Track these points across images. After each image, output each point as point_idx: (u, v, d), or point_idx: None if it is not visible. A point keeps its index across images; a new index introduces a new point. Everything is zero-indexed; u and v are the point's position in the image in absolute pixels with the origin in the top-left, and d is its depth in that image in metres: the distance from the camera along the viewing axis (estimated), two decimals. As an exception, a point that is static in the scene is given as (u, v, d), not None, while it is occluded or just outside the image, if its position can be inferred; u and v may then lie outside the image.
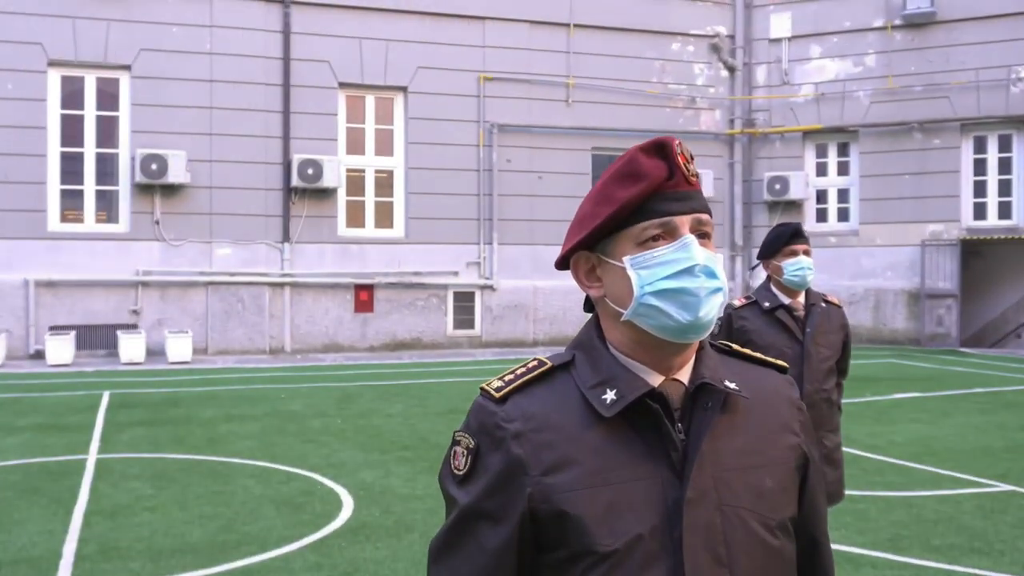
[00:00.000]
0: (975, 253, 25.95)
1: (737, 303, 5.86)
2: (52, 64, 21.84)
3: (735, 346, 2.09)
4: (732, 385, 1.91)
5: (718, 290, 1.84)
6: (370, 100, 24.47)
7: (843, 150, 26.82)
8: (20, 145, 21.35)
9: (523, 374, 1.92)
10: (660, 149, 1.88)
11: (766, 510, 1.88)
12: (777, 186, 26.12)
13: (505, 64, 25.00)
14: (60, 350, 20.48)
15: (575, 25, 25.55)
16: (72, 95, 22.24)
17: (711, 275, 1.83)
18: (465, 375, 18.99)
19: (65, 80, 22.16)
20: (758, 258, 5.83)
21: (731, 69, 27.06)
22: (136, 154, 21.70)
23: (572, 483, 1.80)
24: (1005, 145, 25.45)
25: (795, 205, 26.51)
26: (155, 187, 22.04)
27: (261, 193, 23.08)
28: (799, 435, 2.01)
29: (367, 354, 23.39)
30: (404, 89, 24.41)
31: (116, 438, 12.31)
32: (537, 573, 1.87)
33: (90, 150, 22.31)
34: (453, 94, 24.62)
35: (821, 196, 27.00)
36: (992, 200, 25.62)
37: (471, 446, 1.88)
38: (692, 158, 1.90)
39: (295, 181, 22.75)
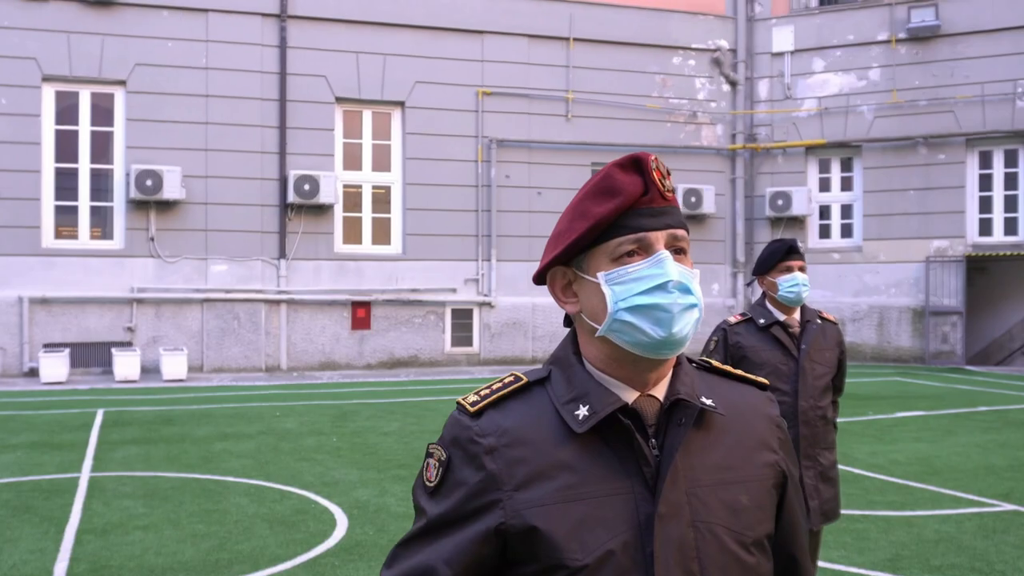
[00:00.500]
0: (980, 269, 25.96)
1: (732, 320, 5.91)
2: (46, 79, 21.92)
3: (714, 362, 2.11)
4: (708, 401, 1.94)
5: (693, 306, 1.87)
6: (367, 115, 24.54)
7: (846, 165, 26.86)
8: (14, 161, 21.42)
9: (499, 389, 1.95)
10: (636, 165, 1.91)
11: (741, 527, 1.91)
12: (779, 202, 26.15)
13: (504, 79, 25.07)
14: (54, 368, 20.49)
15: (575, 39, 25.63)
16: (66, 110, 22.31)
17: (685, 291, 1.86)
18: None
19: (59, 95, 22.23)
20: (753, 274, 5.88)
21: (733, 83, 27.13)
22: (131, 170, 21.75)
23: (544, 498, 1.83)
24: (1011, 160, 25.46)
25: (798, 221, 26.54)
26: (150, 203, 22.11)
27: (257, 209, 23.13)
28: (777, 452, 2.03)
29: (364, 372, 23.42)
30: (402, 104, 24.47)
31: (109, 456, 12.34)
32: None
33: (84, 166, 22.37)
34: (451, 109, 24.69)
35: (824, 212, 27.02)
36: (998, 216, 25.62)
37: (443, 458, 1.91)
38: (668, 173, 1.93)
39: (291, 197, 22.79)
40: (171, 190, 21.84)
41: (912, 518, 9.40)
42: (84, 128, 22.41)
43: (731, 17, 27.21)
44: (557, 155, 25.29)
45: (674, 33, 26.67)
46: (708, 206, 26.13)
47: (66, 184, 22.25)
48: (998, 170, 25.61)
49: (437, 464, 1.93)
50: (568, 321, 2.03)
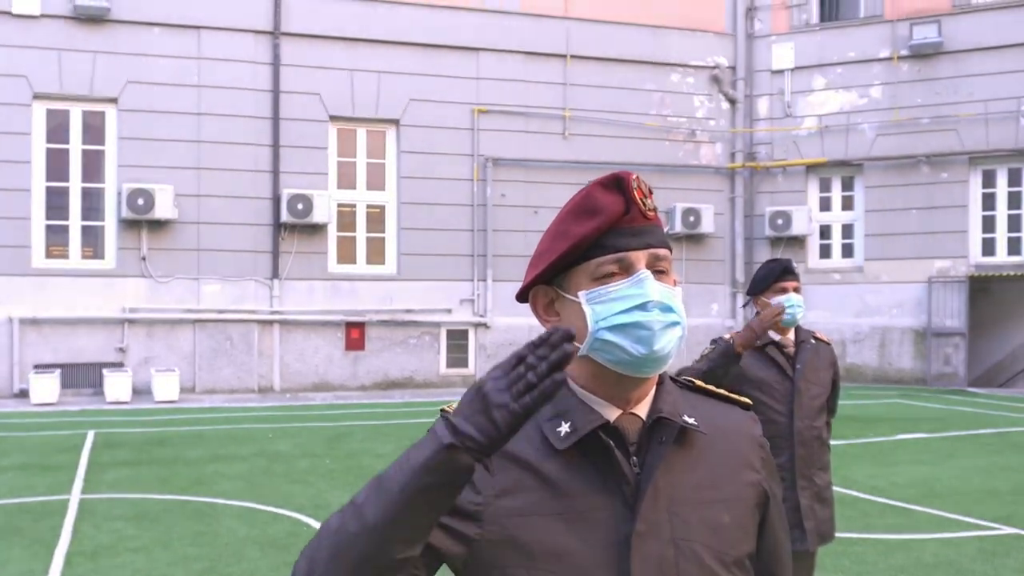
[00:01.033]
0: (984, 290, 25.96)
1: (727, 336, 5.96)
2: (37, 97, 22.00)
3: (698, 382, 2.14)
4: (690, 420, 1.97)
5: (675, 324, 1.90)
6: (361, 133, 24.61)
7: (847, 184, 26.90)
8: (5, 180, 21.47)
9: None
10: (617, 183, 1.94)
11: (722, 546, 1.94)
12: (779, 221, 26.19)
13: (500, 96, 25.13)
14: (45, 389, 20.52)
15: (571, 56, 25.71)
16: (57, 128, 22.37)
17: (666, 310, 1.89)
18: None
19: (50, 113, 22.30)
20: (747, 294, 5.95)
21: (732, 101, 27.21)
22: (122, 189, 21.83)
23: (524, 509, 1.87)
24: (1015, 179, 25.49)
25: (798, 241, 26.58)
26: (142, 222, 22.15)
27: (250, 229, 23.18)
28: (759, 472, 2.07)
29: (358, 393, 23.42)
30: (396, 122, 24.54)
31: (100, 478, 12.39)
32: None
33: (75, 184, 22.44)
34: (446, 127, 24.75)
35: (825, 231, 27.06)
36: (1001, 236, 25.63)
37: None
38: (651, 192, 1.97)
39: (285, 216, 22.82)
40: (163, 209, 21.88)
41: (911, 541, 9.44)
42: (75, 146, 22.48)
43: (730, 34, 27.30)
44: (554, 174, 25.26)
45: (672, 50, 26.75)
46: (707, 226, 26.18)
47: (56, 203, 22.29)
48: (1001, 189, 25.63)
49: None
50: None
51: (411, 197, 24.49)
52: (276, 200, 23.23)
